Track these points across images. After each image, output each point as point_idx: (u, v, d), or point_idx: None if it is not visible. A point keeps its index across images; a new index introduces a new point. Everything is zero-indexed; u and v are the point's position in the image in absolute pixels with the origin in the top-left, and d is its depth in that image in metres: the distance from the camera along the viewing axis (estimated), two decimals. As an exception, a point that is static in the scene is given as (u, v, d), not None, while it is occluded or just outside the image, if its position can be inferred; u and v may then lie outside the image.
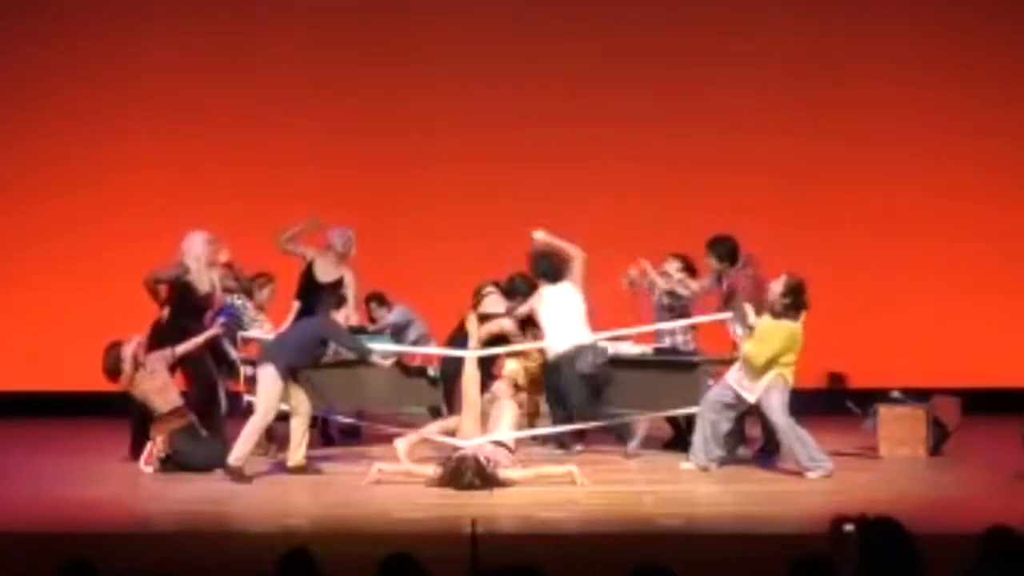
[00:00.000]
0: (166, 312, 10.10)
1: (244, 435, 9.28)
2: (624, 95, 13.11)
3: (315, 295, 10.73)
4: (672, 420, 10.57)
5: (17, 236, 13.10)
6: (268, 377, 9.32)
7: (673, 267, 10.54)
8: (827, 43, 13.12)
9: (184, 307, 10.05)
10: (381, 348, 10.47)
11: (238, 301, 10.56)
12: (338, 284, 10.88)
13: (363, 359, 9.79)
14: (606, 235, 12.68)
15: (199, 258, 10.05)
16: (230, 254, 10.35)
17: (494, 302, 10.66)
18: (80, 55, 13.20)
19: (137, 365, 9.74)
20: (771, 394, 9.35)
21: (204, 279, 10.09)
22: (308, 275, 10.96)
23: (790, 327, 9.37)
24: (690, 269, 10.53)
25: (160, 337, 10.01)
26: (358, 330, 10.81)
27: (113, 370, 9.77)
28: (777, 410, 9.35)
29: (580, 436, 10.47)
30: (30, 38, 13.22)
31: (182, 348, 9.88)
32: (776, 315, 9.41)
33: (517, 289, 10.57)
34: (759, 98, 13.05)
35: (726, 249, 10.17)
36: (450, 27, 13.23)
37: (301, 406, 9.51)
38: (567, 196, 12.87)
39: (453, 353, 10.17)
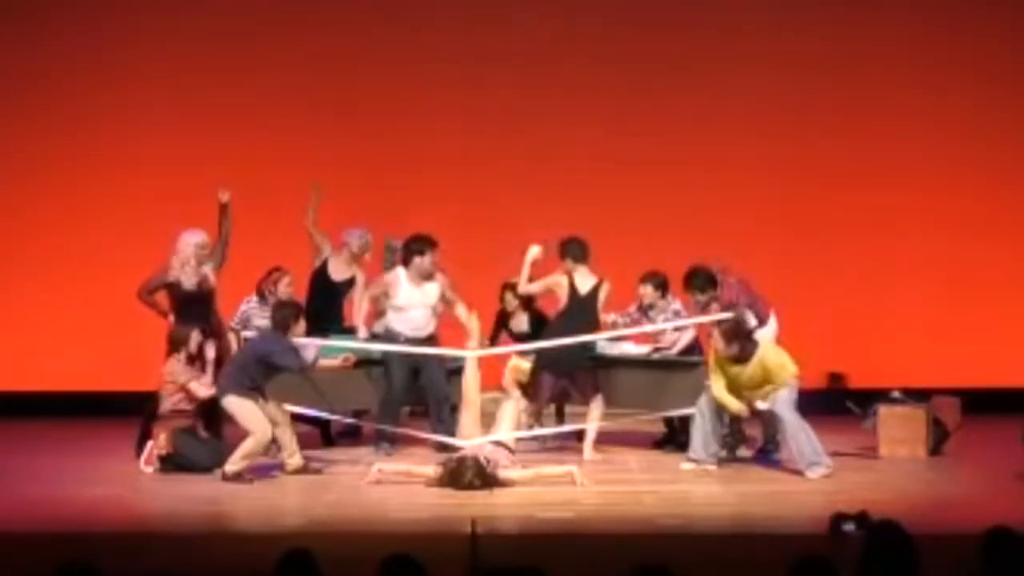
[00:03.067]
0: (171, 318, 10.11)
1: (243, 451, 9.25)
2: (625, 95, 13.10)
3: (327, 293, 10.74)
4: (666, 418, 10.57)
5: (17, 236, 13.09)
6: (232, 405, 9.31)
7: (649, 292, 10.48)
8: (827, 43, 13.11)
9: (180, 307, 10.07)
10: (379, 349, 10.50)
11: (249, 305, 10.56)
12: (351, 283, 10.90)
13: (303, 372, 9.59)
14: (607, 234, 12.71)
15: (187, 260, 10.07)
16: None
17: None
18: (79, 54, 13.18)
19: (191, 392, 9.73)
20: (779, 392, 9.38)
21: (191, 272, 10.07)
22: (322, 273, 10.97)
23: (764, 360, 9.39)
24: (664, 287, 10.49)
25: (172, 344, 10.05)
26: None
27: (179, 344, 9.74)
28: (785, 405, 9.36)
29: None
30: (29, 37, 13.21)
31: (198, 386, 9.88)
32: (741, 360, 9.42)
33: None
34: (759, 99, 13.04)
35: (704, 279, 10.08)
36: (450, 27, 13.21)
37: (278, 416, 9.48)
38: (566, 196, 12.88)
39: (453, 353, 10.16)
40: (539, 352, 10.23)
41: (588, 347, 10.20)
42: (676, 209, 12.72)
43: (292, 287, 10.60)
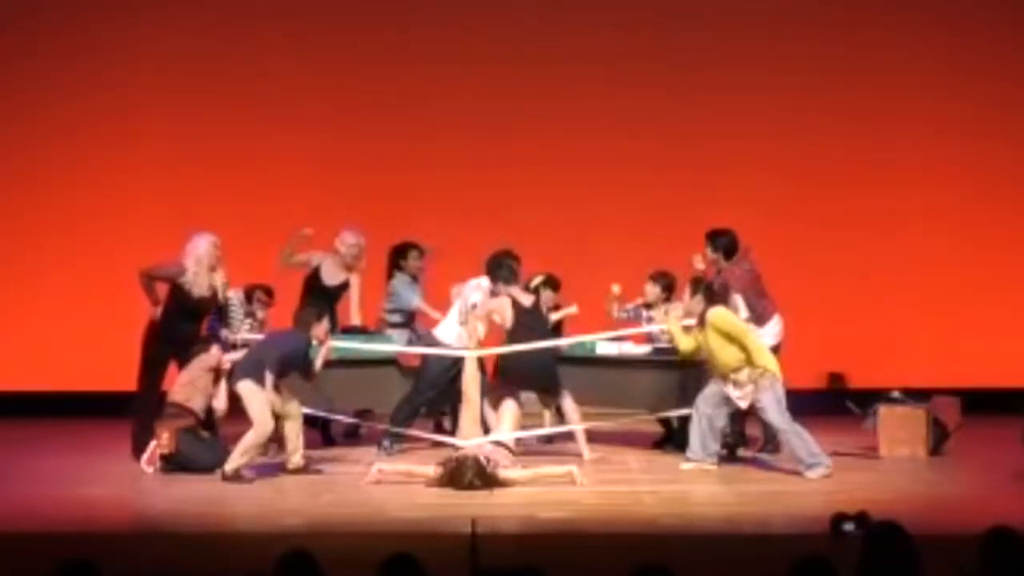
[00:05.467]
0: (158, 311, 10.07)
1: (242, 447, 9.23)
2: (626, 95, 13.12)
3: (320, 297, 10.72)
4: (663, 418, 10.57)
5: (17, 236, 13.10)
6: (245, 390, 9.26)
7: (655, 292, 10.49)
8: (827, 44, 13.13)
9: (177, 309, 10.00)
10: (379, 349, 10.51)
11: (233, 295, 10.53)
12: (344, 287, 10.88)
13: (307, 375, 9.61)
14: (607, 235, 12.73)
15: (200, 260, 9.98)
16: (225, 274, 10.24)
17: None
18: (78, 54, 13.19)
19: (218, 374, 9.78)
20: (762, 394, 9.33)
21: (203, 282, 10.02)
22: (314, 278, 10.93)
23: (720, 323, 9.39)
24: (670, 289, 10.49)
25: (153, 339, 10.03)
26: (361, 331, 10.81)
27: (199, 351, 9.80)
28: (771, 409, 9.34)
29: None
30: (30, 38, 13.22)
31: (229, 358, 9.85)
32: (699, 318, 9.50)
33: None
34: (760, 99, 13.06)
35: (725, 242, 10.14)
36: (449, 29, 13.23)
37: (290, 409, 9.48)
38: (570, 196, 12.90)
39: (453, 353, 10.16)
40: (503, 367, 10.18)
41: (552, 362, 10.20)
42: (678, 209, 12.72)
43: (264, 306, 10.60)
